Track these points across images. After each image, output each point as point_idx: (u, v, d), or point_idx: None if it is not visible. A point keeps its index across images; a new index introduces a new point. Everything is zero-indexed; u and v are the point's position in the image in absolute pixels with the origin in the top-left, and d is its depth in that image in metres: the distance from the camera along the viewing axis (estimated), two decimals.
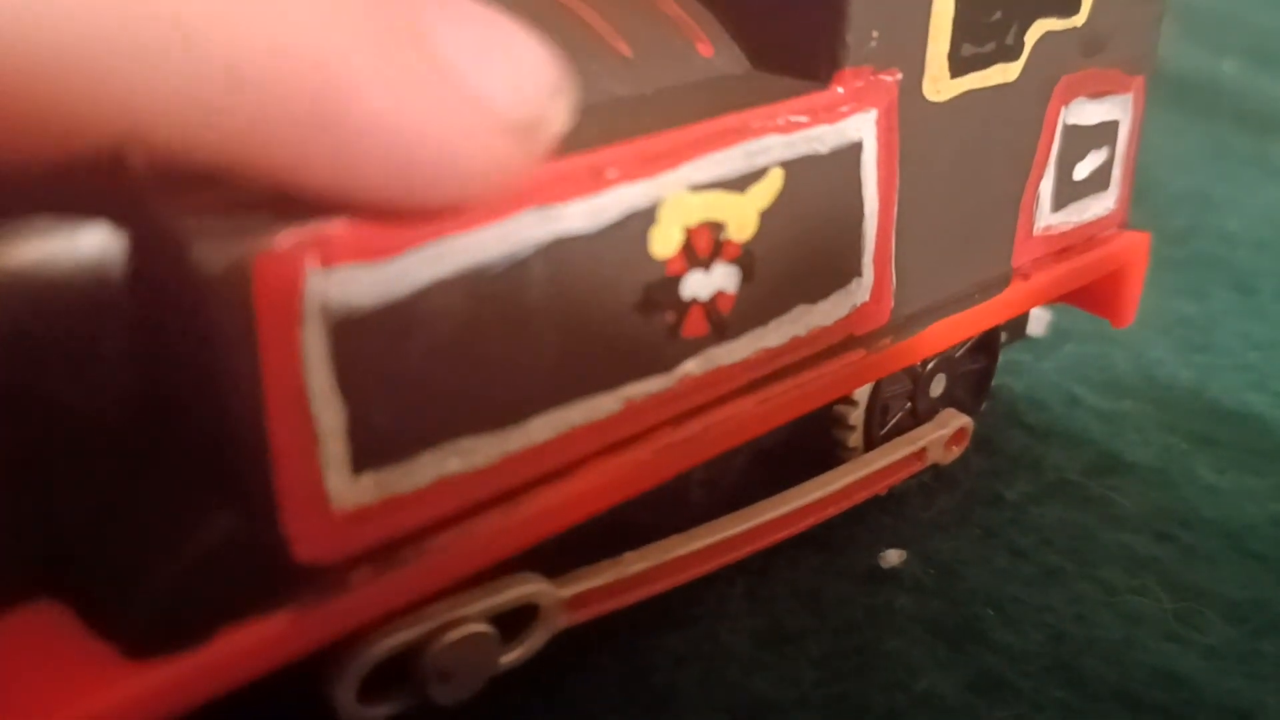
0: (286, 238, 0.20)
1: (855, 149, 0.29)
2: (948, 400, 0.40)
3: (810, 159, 0.28)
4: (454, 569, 0.25)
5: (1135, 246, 0.42)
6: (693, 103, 0.27)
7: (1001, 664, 0.36)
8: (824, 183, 0.29)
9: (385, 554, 0.23)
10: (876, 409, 0.38)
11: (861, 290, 0.31)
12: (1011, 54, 0.33)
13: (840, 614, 0.38)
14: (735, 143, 0.26)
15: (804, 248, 0.29)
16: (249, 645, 0.22)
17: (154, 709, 0.20)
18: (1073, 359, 0.50)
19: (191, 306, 0.20)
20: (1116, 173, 0.39)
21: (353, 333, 0.21)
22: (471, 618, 0.26)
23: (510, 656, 0.29)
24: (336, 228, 0.21)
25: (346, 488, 0.22)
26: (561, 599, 0.29)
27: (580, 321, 0.25)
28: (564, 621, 0.29)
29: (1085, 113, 0.37)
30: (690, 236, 0.26)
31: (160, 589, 0.21)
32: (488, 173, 0.21)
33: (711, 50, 0.30)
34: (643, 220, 0.25)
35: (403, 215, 0.21)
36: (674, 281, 0.26)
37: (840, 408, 0.36)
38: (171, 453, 0.21)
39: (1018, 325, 0.44)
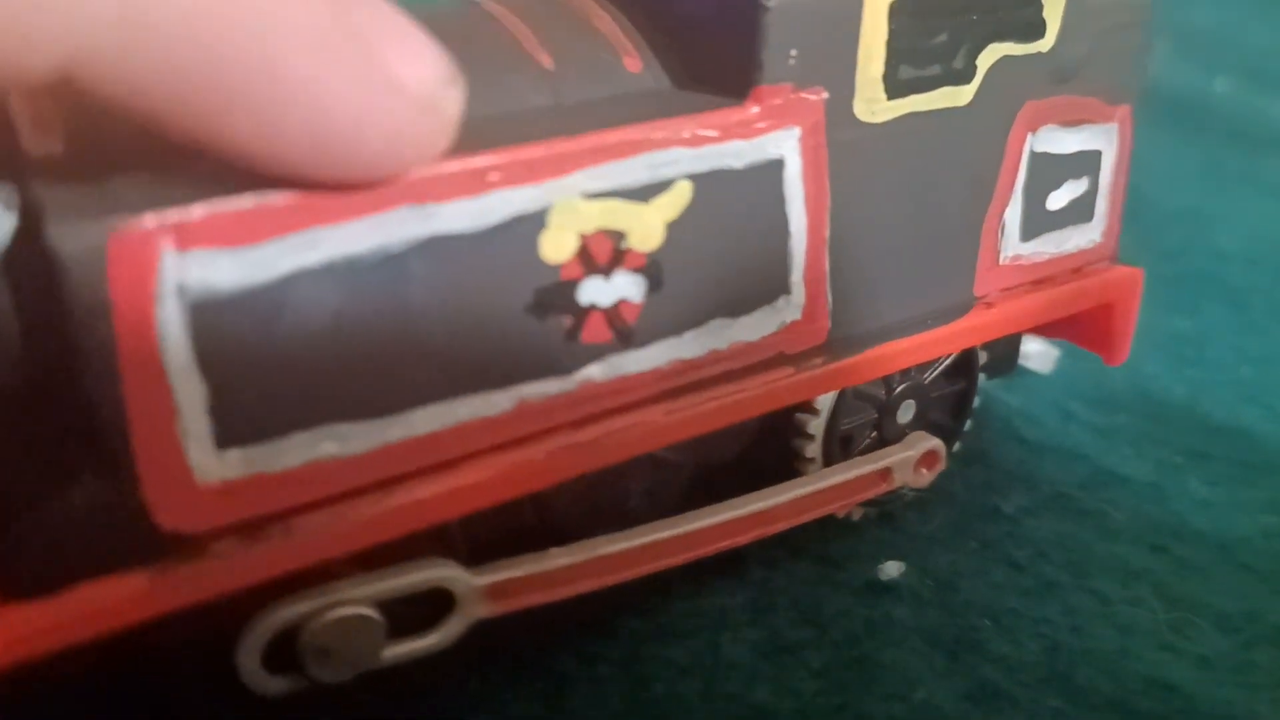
0: (142, 220, 0.21)
1: (775, 166, 0.29)
2: (922, 425, 0.39)
3: (723, 173, 0.28)
4: (326, 548, 0.25)
5: (1126, 282, 0.40)
6: (601, 114, 0.27)
7: (998, 674, 0.36)
8: (740, 198, 0.28)
9: (253, 529, 0.24)
10: (835, 436, 0.36)
11: (791, 308, 0.31)
12: (961, 78, 0.32)
13: (840, 625, 0.37)
14: (635, 154, 0.26)
15: (720, 262, 0.29)
16: (108, 600, 0.22)
17: (14, 648, 0.22)
18: (1067, 374, 0.50)
19: (54, 281, 0.20)
20: (1101, 205, 0.38)
21: (213, 314, 0.22)
22: (359, 600, 0.26)
23: (427, 642, 0.29)
24: (195, 213, 0.21)
25: (211, 462, 0.23)
26: (478, 587, 0.28)
27: (466, 319, 0.25)
28: (484, 611, 0.29)
29: (1057, 141, 0.36)
30: (586, 243, 0.26)
31: (25, 539, 0.22)
32: (398, 146, 0.22)
33: (640, 66, 0.30)
34: (531, 224, 0.25)
35: (319, 185, 0.22)
36: (570, 286, 0.26)
37: (800, 417, 0.35)
38: (49, 417, 0.22)
39: (1007, 358, 0.42)
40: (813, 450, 0.36)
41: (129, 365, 0.21)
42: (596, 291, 0.27)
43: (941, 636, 0.37)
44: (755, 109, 0.28)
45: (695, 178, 0.28)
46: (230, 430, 0.23)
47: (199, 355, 0.22)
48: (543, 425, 0.27)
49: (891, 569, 0.40)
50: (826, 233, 0.31)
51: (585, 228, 0.26)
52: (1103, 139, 0.37)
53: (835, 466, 0.36)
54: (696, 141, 0.27)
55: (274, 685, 0.27)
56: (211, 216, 0.22)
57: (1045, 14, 0.34)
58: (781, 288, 0.30)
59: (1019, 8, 0.33)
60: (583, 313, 0.27)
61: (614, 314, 0.27)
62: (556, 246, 0.26)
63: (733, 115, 0.28)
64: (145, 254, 0.21)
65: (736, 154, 0.28)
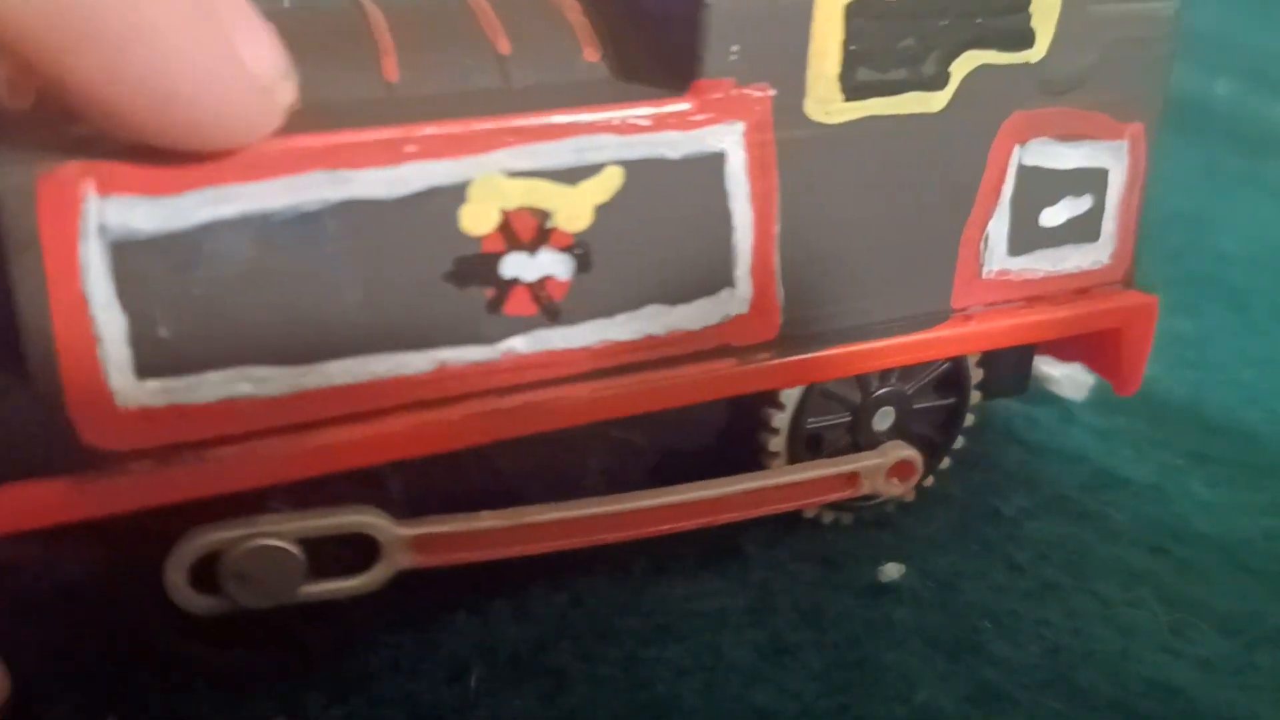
0: (69, 165, 0.24)
1: (716, 159, 0.29)
2: (903, 435, 0.38)
3: (657, 162, 0.29)
4: (238, 480, 0.26)
5: (1136, 308, 0.38)
6: (536, 98, 0.28)
7: (999, 676, 0.36)
8: (677, 188, 0.29)
9: (169, 454, 0.26)
10: (800, 433, 0.36)
11: (736, 301, 0.31)
12: (933, 84, 0.32)
13: (840, 627, 0.37)
14: (561, 137, 0.27)
15: (656, 249, 0.30)
16: (36, 499, 0.25)
17: None
18: None
19: None
20: (1109, 225, 0.37)
21: (131, 254, 0.24)
22: (280, 534, 0.28)
23: (348, 585, 0.30)
24: (116, 162, 0.24)
25: (131, 389, 0.25)
26: (402, 537, 0.30)
27: (383, 281, 0.27)
28: (409, 561, 0.30)
29: (1052, 155, 0.35)
30: (509, 219, 0.27)
31: None
32: (231, 120, 0.24)
33: (598, 56, 0.30)
34: (449, 197, 0.27)
35: (154, 145, 0.24)
36: (491, 259, 0.28)
37: (765, 410, 0.35)
38: None
39: (1014, 378, 0.41)
40: (777, 445, 0.36)
41: (56, 295, 0.24)
42: (520, 266, 0.28)
43: (942, 638, 0.37)
44: (692, 102, 0.29)
45: (627, 164, 0.28)
46: (149, 362, 0.25)
47: (119, 290, 0.25)
48: (463, 390, 0.29)
49: (892, 570, 0.40)
50: (776, 229, 0.31)
51: (507, 204, 0.27)
52: (1109, 156, 0.36)
53: (797, 465, 0.36)
54: (627, 129, 0.28)
55: (200, 603, 0.29)
56: (131, 167, 0.24)
57: (1034, 23, 0.33)
58: (725, 280, 0.31)
59: (1001, 16, 0.32)
60: (506, 285, 0.28)
61: (539, 289, 0.29)
62: (476, 220, 0.27)
63: (668, 106, 0.29)
64: (70, 195, 0.24)
65: (671, 144, 0.29)
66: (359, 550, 0.30)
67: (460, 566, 0.37)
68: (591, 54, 0.30)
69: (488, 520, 0.31)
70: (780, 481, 0.35)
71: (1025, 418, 0.47)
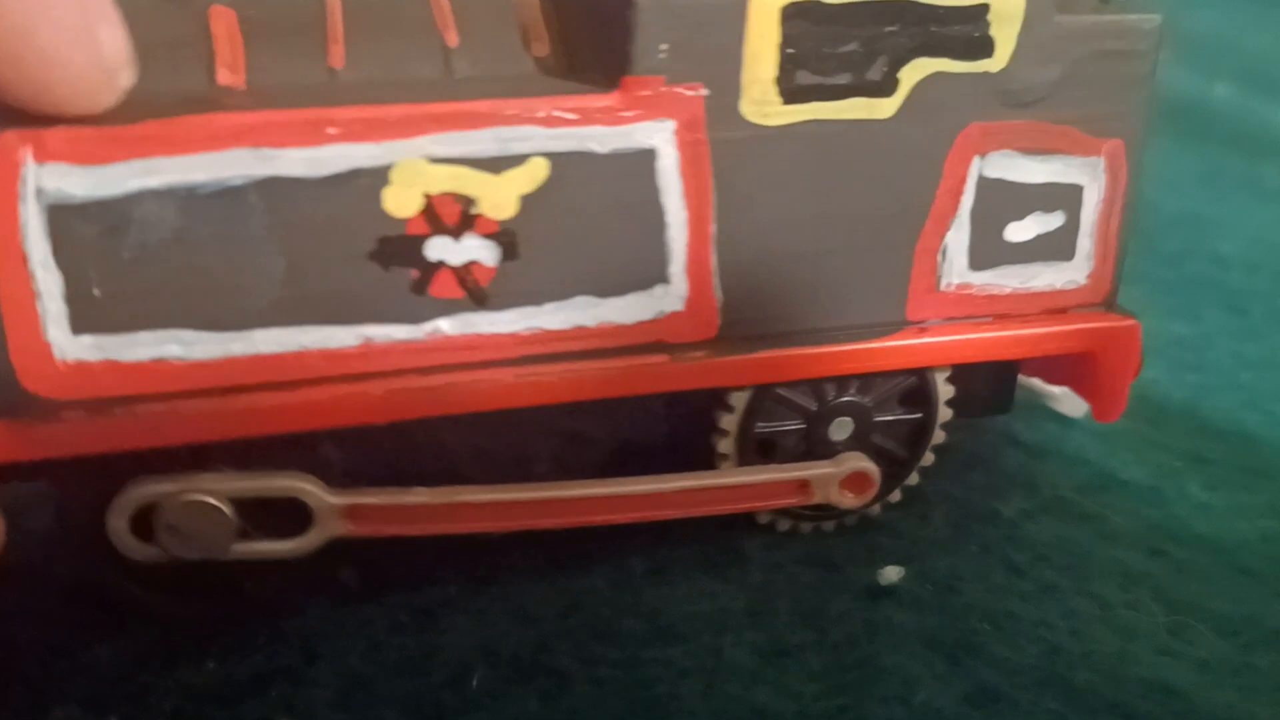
0: (8, 134, 0.26)
1: (646, 156, 0.30)
2: (864, 447, 0.37)
3: (584, 156, 0.29)
4: (165, 436, 0.28)
5: (1115, 333, 0.36)
6: (469, 89, 0.29)
7: (998, 677, 0.36)
8: (606, 183, 0.30)
9: (102, 406, 0.28)
10: (750, 436, 0.36)
11: (671, 299, 0.32)
12: (880, 90, 0.31)
13: (840, 629, 0.37)
14: (483, 126, 0.28)
15: (585, 241, 0.30)
16: None
17: None
18: None
19: None
20: (1085, 244, 0.35)
21: (66, 218, 0.26)
22: (214, 492, 0.30)
23: (278, 547, 0.32)
24: (51, 132, 0.26)
25: (67, 342, 0.27)
26: (334, 505, 0.31)
27: (308, 256, 0.28)
28: (341, 530, 0.32)
29: (1017, 168, 0.34)
30: (432, 203, 0.28)
31: None
32: (80, 93, 0.26)
33: (546, 51, 0.31)
34: (372, 179, 0.28)
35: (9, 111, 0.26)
36: (415, 241, 0.29)
37: (715, 412, 0.35)
38: None
39: (996, 397, 0.40)
40: (726, 446, 0.36)
41: (0, 251, 0.26)
42: (445, 250, 0.29)
43: (941, 639, 0.37)
44: (619, 98, 0.29)
45: (553, 156, 0.29)
46: (84, 319, 0.27)
47: (55, 251, 0.27)
48: (389, 366, 0.30)
49: (891, 573, 0.40)
50: (712, 229, 0.31)
51: (430, 189, 0.28)
52: (1083, 173, 0.34)
53: (745, 468, 0.36)
54: (552, 122, 0.29)
55: (140, 551, 0.31)
56: (66, 136, 0.26)
57: (993, 32, 0.32)
58: (659, 277, 0.31)
59: (956, 23, 0.31)
60: (431, 268, 0.29)
61: (465, 274, 0.30)
62: (399, 203, 0.28)
63: (595, 101, 0.29)
64: (10, 160, 0.26)
65: (599, 139, 0.29)
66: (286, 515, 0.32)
67: (462, 568, 0.37)
68: (539, 48, 0.31)
69: (419, 496, 0.32)
70: (723, 482, 0.35)
71: (1025, 420, 0.47)
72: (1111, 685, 0.36)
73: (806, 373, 0.34)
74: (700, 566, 0.38)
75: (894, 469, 0.38)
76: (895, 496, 0.39)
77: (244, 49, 0.29)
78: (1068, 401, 0.46)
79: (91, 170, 0.26)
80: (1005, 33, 0.32)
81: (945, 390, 0.37)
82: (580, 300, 0.31)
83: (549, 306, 0.31)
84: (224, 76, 0.28)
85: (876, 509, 0.39)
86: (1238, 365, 0.54)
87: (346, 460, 0.32)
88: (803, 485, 0.36)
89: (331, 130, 0.27)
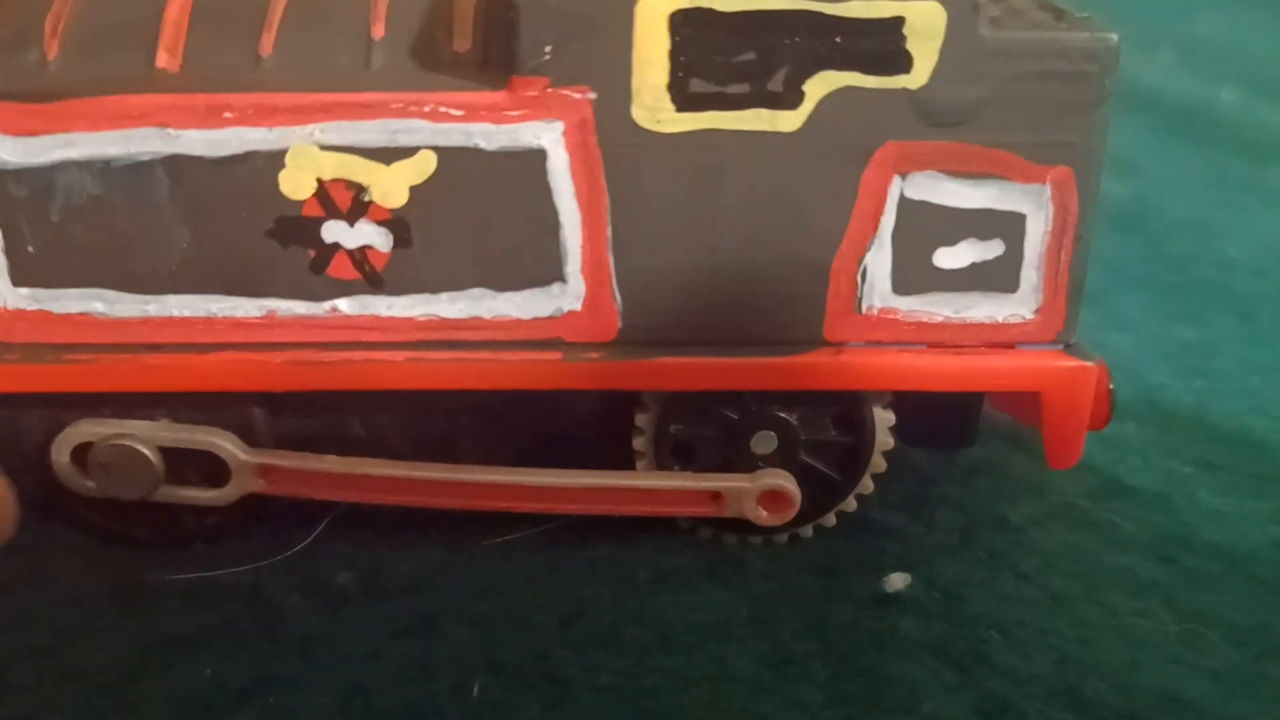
0: None
1: (537, 155, 0.30)
2: (791, 465, 0.36)
3: (471, 152, 0.30)
4: (83, 382, 0.32)
5: (1065, 374, 0.34)
6: (375, 80, 0.31)
7: (1007, 687, 0.35)
8: (494, 179, 0.31)
9: (37, 351, 0.32)
10: (664, 440, 0.35)
11: (569, 298, 0.32)
12: (784, 102, 0.30)
13: (845, 638, 0.37)
14: (371, 117, 0.30)
15: (478, 235, 0.31)
16: None
17: None
18: None
19: None
20: (1030, 276, 0.33)
21: (3, 181, 0.30)
22: (141, 439, 0.33)
23: (200, 495, 0.35)
24: None
25: (9, 292, 0.32)
26: (248, 463, 0.34)
27: (213, 231, 0.31)
28: (256, 486, 0.34)
29: (943, 191, 0.31)
30: (326, 188, 0.30)
31: None
32: None
33: (467, 46, 0.31)
34: (268, 161, 0.30)
35: None
36: (312, 223, 0.31)
37: (633, 409, 0.35)
38: None
39: (953, 429, 0.38)
40: (641, 445, 0.35)
41: None
42: (340, 233, 0.31)
43: (949, 649, 0.37)
44: (504, 97, 0.30)
45: (440, 150, 0.30)
46: (21, 272, 0.31)
47: None
48: (291, 338, 0.32)
49: (897, 580, 0.39)
50: (608, 232, 0.31)
51: (323, 174, 0.30)
52: (1025, 200, 0.32)
53: (652, 472, 0.35)
54: (438, 117, 0.30)
55: (81, 483, 0.34)
56: (3, 110, 0.30)
57: (910, 46, 0.30)
58: (556, 276, 0.32)
59: (866, 37, 0.30)
60: (327, 249, 0.31)
61: (360, 257, 0.31)
62: (294, 186, 0.30)
63: (482, 99, 0.30)
64: None
65: (485, 136, 0.30)
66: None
67: (463, 575, 0.36)
68: (461, 44, 0.31)
69: (326, 463, 0.34)
70: (627, 484, 0.35)
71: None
72: (1122, 696, 0.35)
73: (710, 384, 0.33)
74: (704, 574, 0.38)
75: (826, 492, 0.36)
76: (830, 521, 0.37)
77: (187, 33, 0.31)
78: None
79: (23, 140, 0.30)
80: (924, 48, 0.30)
81: (884, 417, 0.35)
82: (476, 292, 0.32)
83: (445, 295, 0.32)
84: (161, 59, 0.30)
85: (809, 530, 0.37)
86: (1246, 370, 0.53)
87: (301, 428, 0.35)
88: (715, 497, 0.35)
89: (228, 114, 0.30)
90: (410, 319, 0.32)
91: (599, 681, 0.34)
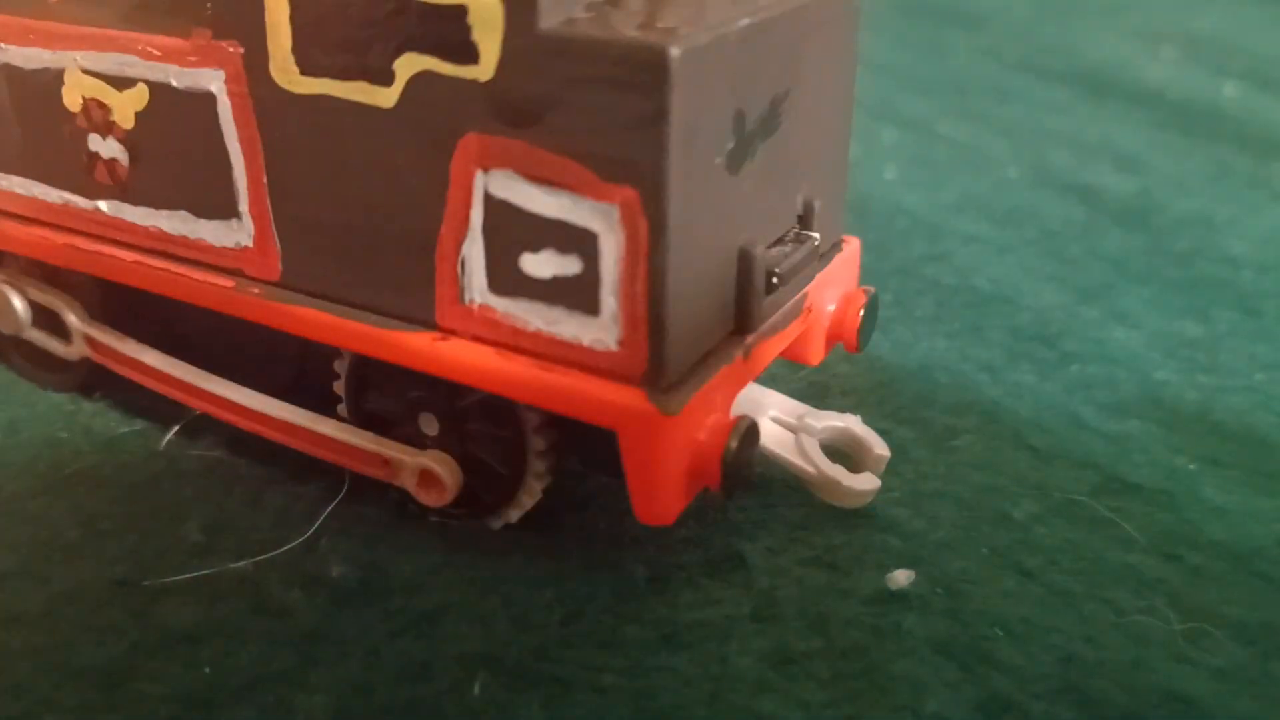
0: None
1: (209, 99, 0.34)
2: (455, 450, 0.36)
3: (169, 89, 0.35)
4: None
5: (637, 415, 0.30)
6: (110, 17, 0.36)
7: (1011, 686, 0.35)
8: (184, 116, 0.35)
9: None
10: (354, 393, 0.37)
11: (244, 234, 0.36)
12: (379, 78, 0.31)
13: (848, 635, 0.36)
14: (109, 50, 0.35)
15: (177, 164, 0.36)
16: None
17: None
18: (1078, 381, 0.49)
19: None
20: (609, 302, 0.29)
21: None
22: (9, 285, 0.43)
23: (57, 346, 0.43)
24: None
25: None
26: (81, 331, 0.42)
27: (31, 127, 0.39)
28: (87, 351, 0.42)
29: (522, 194, 0.30)
30: (88, 105, 0.37)
31: None
32: None
33: None
34: (54, 77, 0.37)
35: None
36: (83, 132, 0.38)
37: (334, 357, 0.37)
38: None
39: (608, 460, 0.34)
40: (340, 389, 0.37)
41: None
42: (98, 144, 0.37)
43: (952, 646, 0.36)
44: (187, 43, 0.34)
45: (150, 85, 0.35)
46: None
47: None
48: (74, 225, 0.40)
49: (900, 577, 0.39)
50: (265, 179, 0.34)
51: (86, 94, 0.37)
52: (596, 218, 0.29)
53: (331, 420, 0.38)
54: (147, 55, 0.35)
55: None
56: None
57: (476, 37, 0.29)
58: (231, 211, 0.36)
59: (436, 21, 0.29)
60: (92, 156, 0.38)
61: (111, 168, 0.37)
62: (70, 100, 0.37)
63: (172, 43, 0.35)
64: None
65: (177, 76, 0.35)
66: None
67: (463, 573, 0.36)
68: None
69: (127, 347, 0.41)
70: (314, 427, 0.38)
71: (1034, 423, 0.46)
72: (1126, 694, 0.35)
73: (336, 340, 0.35)
74: (704, 572, 0.37)
75: (494, 485, 0.36)
76: (511, 517, 0.36)
77: None
78: (820, 481, 0.39)
79: None
80: (488, 40, 0.29)
81: (531, 417, 0.34)
82: (183, 214, 0.37)
83: (164, 213, 0.37)
84: None
85: (498, 521, 0.38)
86: (1251, 367, 0.53)
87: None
88: (386, 463, 0.36)
89: (31, 36, 0.37)
90: (144, 227, 0.38)
91: (599, 681, 0.34)
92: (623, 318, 0.30)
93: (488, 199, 0.30)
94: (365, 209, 0.33)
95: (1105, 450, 0.45)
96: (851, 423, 0.40)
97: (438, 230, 0.32)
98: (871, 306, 0.39)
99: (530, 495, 0.36)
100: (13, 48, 0.38)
